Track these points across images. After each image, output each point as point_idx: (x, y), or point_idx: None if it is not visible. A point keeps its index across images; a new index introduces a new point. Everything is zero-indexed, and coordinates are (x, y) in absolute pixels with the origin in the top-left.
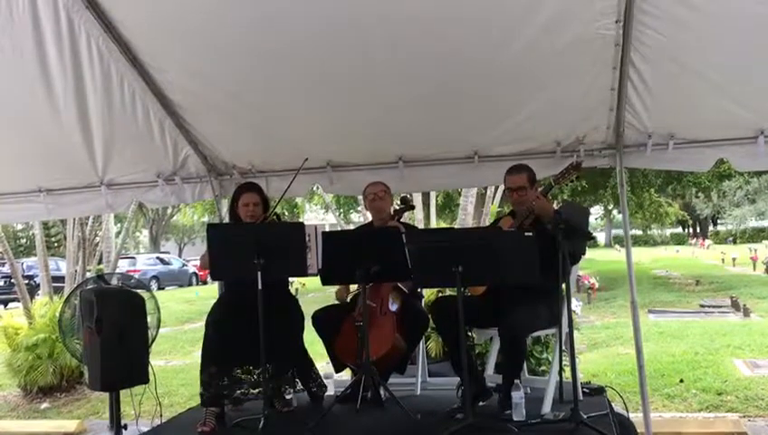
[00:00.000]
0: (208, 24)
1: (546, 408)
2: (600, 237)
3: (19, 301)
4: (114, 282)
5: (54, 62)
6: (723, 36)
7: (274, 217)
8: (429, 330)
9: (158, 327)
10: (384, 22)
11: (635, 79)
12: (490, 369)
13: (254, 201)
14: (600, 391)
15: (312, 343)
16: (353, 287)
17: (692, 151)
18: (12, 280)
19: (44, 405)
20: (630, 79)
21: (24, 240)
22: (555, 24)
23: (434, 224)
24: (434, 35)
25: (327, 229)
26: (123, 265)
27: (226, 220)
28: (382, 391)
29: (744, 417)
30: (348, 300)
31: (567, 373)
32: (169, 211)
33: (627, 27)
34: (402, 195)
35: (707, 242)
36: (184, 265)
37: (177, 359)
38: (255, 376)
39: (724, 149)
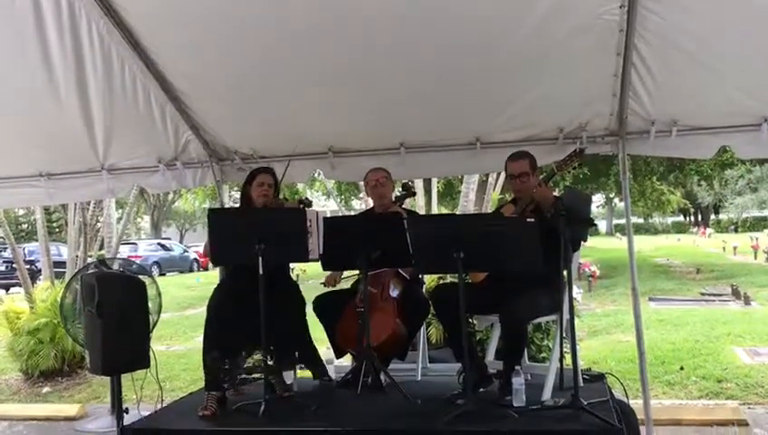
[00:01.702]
0: (209, 9)
1: (546, 394)
2: (602, 226)
3: (20, 286)
4: (115, 267)
5: (55, 46)
6: (727, 23)
7: (284, 200)
8: (430, 316)
9: (160, 312)
10: (386, 8)
11: (638, 65)
12: (491, 355)
13: (268, 182)
14: (600, 377)
15: (313, 328)
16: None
17: (695, 139)
18: (13, 265)
19: (46, 389)
20: (634, 65)
21: (26, 225)
22: (559, 9)
23: (435, 210)
24: (436, 20)
25: (328, 216)
26: (124, 251)
27: (228, 206)
28: (383, 377)
29: (744, 404)
30: (335, 286)
31: (567, 360)
32: (171, 197)
33: (631, 13)
34: (404, 181)
35: (709, 230)
36: (185, 251)
37: (178, 344)
38: (257, 361)
39: (728, 137)
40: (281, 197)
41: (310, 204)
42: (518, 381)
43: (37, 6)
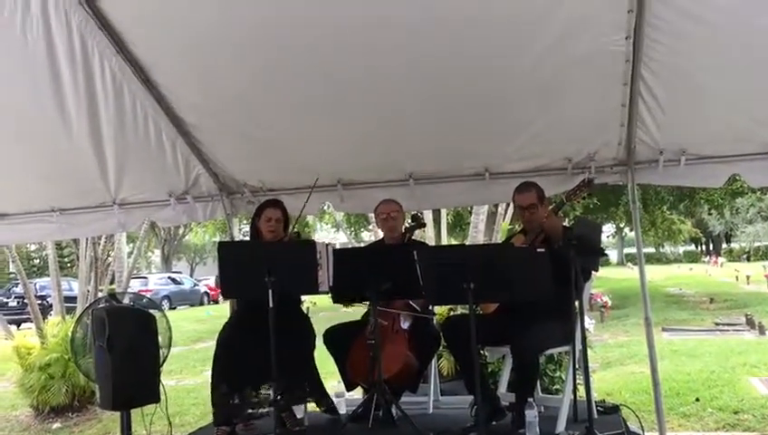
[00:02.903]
0: (219, 44)
1: (560, 426)
2: (613, 255)
3: (32, 321)
4: (126, 301)
5: (68, 83)
6: (734, 51)
7: (295, 234)
8: (441, 348)
9: (170, 346)
10: (393, 40)
11: (646, 95)
12: (503, 387)
13: (276, 217)
14: (614, 409)
15: (324, 361)
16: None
17: (705, 167)
18: (25, 300)
19: (56, 425)
20: (641, 95)
21: (38, 260)
22: (565, 40)
23: (445, 242)
24: (444, 54)
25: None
26: (135, 285)
27: (238, 239)
28: (394, 410)
29: None
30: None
31: (581, 392)
32: (181, 231)
33: (637, 43)
34: (413, 213)
35: (721, 260)
36: (195, 284)
37: (188, 378)
38: (267, 395)
39: (738, 165)
40: (293, 230)
41: (298, 235)
42: (531, 414)
43: (50, 44)
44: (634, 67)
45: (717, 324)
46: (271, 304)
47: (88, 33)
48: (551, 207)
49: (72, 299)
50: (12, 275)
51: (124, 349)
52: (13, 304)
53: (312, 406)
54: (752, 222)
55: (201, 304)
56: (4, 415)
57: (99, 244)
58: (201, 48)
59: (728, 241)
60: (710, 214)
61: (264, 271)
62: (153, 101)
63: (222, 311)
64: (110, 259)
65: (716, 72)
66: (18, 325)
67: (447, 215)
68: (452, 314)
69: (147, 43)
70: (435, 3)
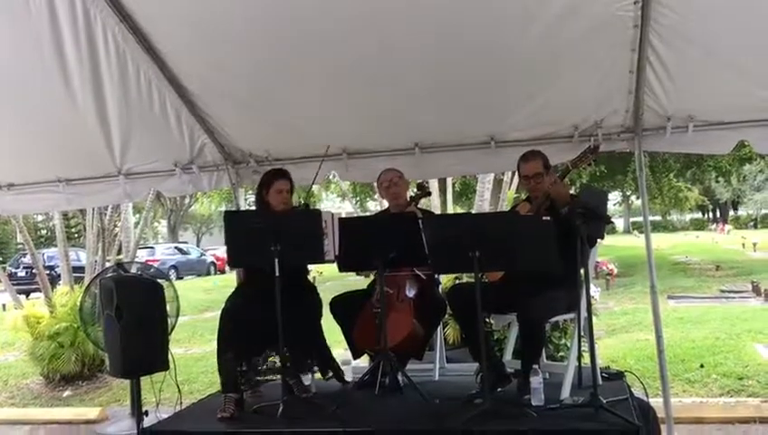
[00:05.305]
0: (223, 12)
1: (565, 393)
2: (619, 223)
3: (40, 291)
4: (133, 271)
5: (71, 52)
6: (742, 16)
7: (303, 206)
8: (447, 316)
9: (177, 315)
10: (401, 8)
11: (654, 61)
12: (508, 354)
13: (286, 188)
14: (619, 376)
15: (331, 329)
16: None
17: (712, 134)
18: (33, 270)
19: (67, 393)
20: (649, 61)
21: (45, 231)
22: (573, 6)
23: (450, 210)
24: (450, 21)
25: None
26: (142, 255)
27: (243, 208)
28: (400, 377)
29: (766, 401)
30: None
31: (586, 359)
32: (187, 201)
33: (645, 8)
34: (418, 181)
35: (728, 227)
36: (202, 254)
37: (196, 347)
38: (274, 362)
39: (745, 132)
40: (302, 202)
41: (306, 207)
42: (536, 380)
43: (53, 14)
44: (642, 33)
45: (723, 292)
46: (277, 274)
47: (91, 1)
48: (557, 174)
49: (80, 269)
50: (20, 246)
51: (132, 318)
52: (21, 274)
53: (318, 374)
54: (759, 189)
55: (208, 274)
56: (16, 383)
57: (105, 214)
58: (207, 18)
59: (735, 208)
60: (717, 181)
61: (270, 240)
62: (157, 70)
63: (229, 281)
64: (116, 229)
65: (725, 38)
66: (27, 295)
67: (455, 183)
68: (457, 281)
69: (150, 11)
70: None
